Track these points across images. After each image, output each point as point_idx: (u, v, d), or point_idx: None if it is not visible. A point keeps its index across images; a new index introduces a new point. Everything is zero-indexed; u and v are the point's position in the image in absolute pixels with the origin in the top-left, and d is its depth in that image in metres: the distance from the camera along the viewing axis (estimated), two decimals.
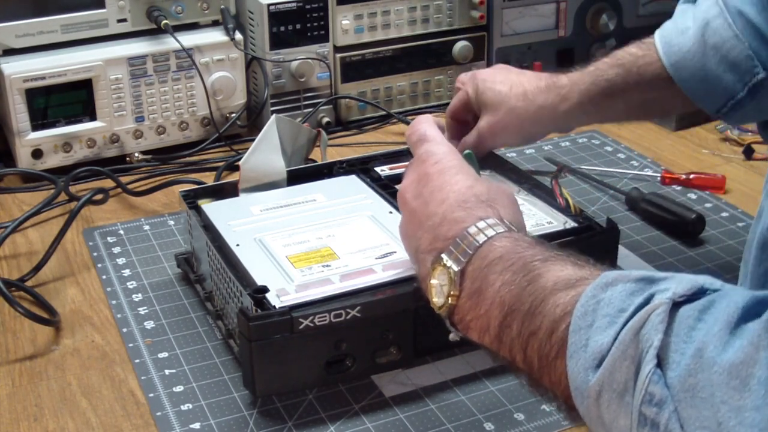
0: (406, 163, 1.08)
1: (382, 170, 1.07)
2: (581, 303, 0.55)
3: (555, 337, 0.57)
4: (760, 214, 0.81)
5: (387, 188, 1.01)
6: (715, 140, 1.35)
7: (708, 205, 1.18)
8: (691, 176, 1.22)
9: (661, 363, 0.49)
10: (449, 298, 0.66)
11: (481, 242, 0.66)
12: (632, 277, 0.54)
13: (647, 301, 0.51)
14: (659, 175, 1.23)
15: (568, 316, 0.56)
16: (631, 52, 0.94)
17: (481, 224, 0.67)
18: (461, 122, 1.04)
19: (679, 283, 0.51)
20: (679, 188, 1.21)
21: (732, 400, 0.45)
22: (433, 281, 0.68)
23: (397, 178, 1.01)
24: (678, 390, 0.48)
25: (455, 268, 0.66)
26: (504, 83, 0.99)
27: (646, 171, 1.26)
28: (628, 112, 0.98)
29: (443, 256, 0.67)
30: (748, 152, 1.29)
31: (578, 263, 0.61)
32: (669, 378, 0.48)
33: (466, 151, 0.85)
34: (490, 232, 0.66)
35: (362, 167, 1.07)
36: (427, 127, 0.81)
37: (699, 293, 0.51)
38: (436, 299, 0.68)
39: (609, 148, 1.33)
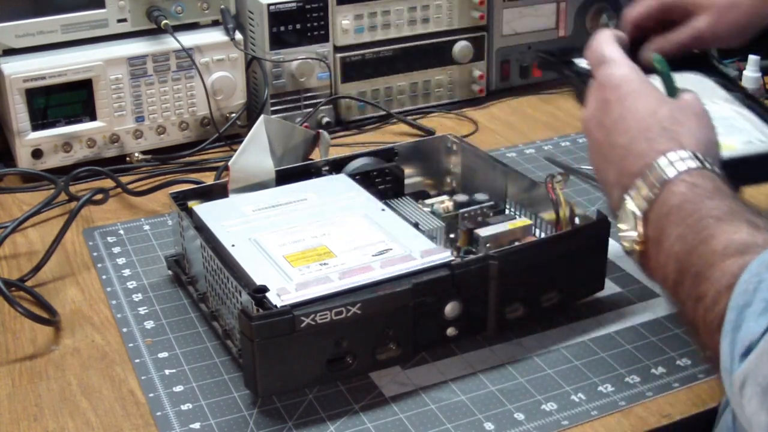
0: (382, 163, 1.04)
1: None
2: (744, 278, 0.53)
3: (717, 309, 0.55)
4: None
5: (371, 186, 0.97)
6: None
7: None
8: None
9: None
10: (636, 245, 0.66)
11: (660, 186, 0.65)
12: None
13: None
14: None
15: (732, 288, 0.54)
16: None
17: (662, 161, 0.66)
18: (642, 29, 0.96)
19: None
20: None
21: None
22: (621, 225, 0.68)
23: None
24: None
25: (638, 213, 0.66)
26: None
27: None
28: None
29: (626, 198, 0.67)
30: None
31: (755, 223, 0.59)
32: None
33: (657, 57, 0.79)
34: (671, 172, 0.65)
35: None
36: (606, 46, 0.77)
37: None
38: (626, 244, 0.68)
39: None
